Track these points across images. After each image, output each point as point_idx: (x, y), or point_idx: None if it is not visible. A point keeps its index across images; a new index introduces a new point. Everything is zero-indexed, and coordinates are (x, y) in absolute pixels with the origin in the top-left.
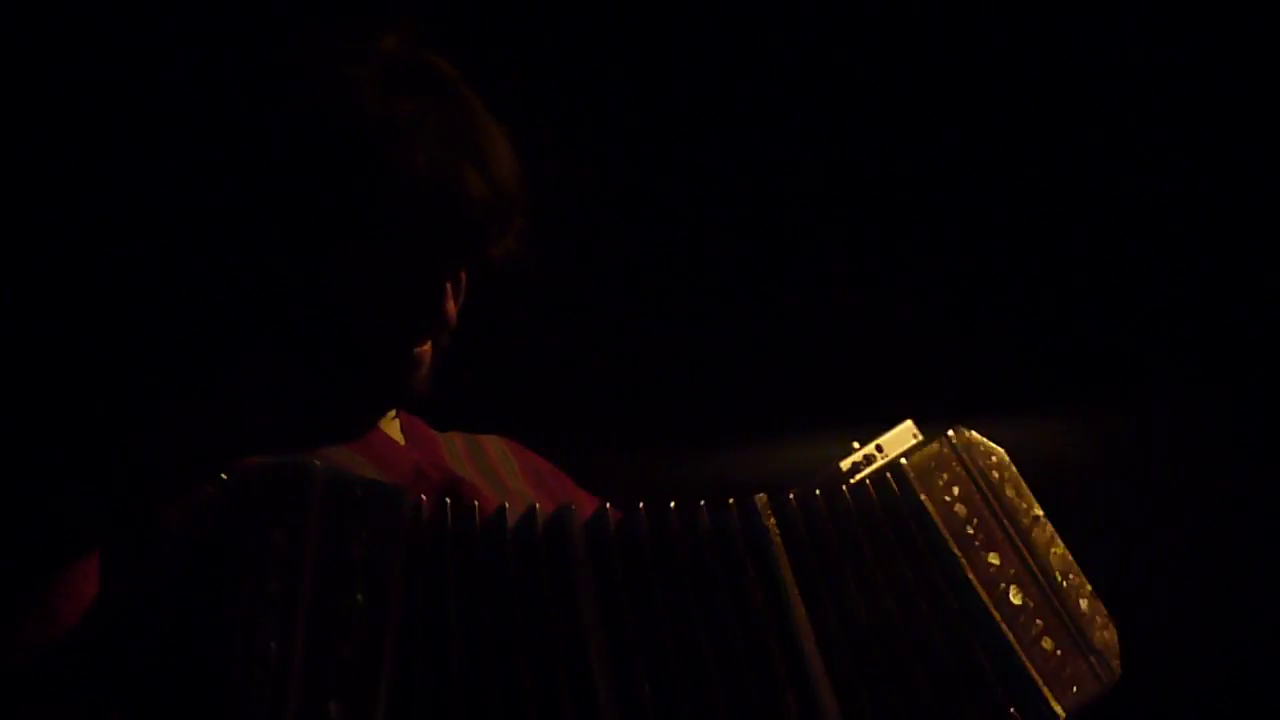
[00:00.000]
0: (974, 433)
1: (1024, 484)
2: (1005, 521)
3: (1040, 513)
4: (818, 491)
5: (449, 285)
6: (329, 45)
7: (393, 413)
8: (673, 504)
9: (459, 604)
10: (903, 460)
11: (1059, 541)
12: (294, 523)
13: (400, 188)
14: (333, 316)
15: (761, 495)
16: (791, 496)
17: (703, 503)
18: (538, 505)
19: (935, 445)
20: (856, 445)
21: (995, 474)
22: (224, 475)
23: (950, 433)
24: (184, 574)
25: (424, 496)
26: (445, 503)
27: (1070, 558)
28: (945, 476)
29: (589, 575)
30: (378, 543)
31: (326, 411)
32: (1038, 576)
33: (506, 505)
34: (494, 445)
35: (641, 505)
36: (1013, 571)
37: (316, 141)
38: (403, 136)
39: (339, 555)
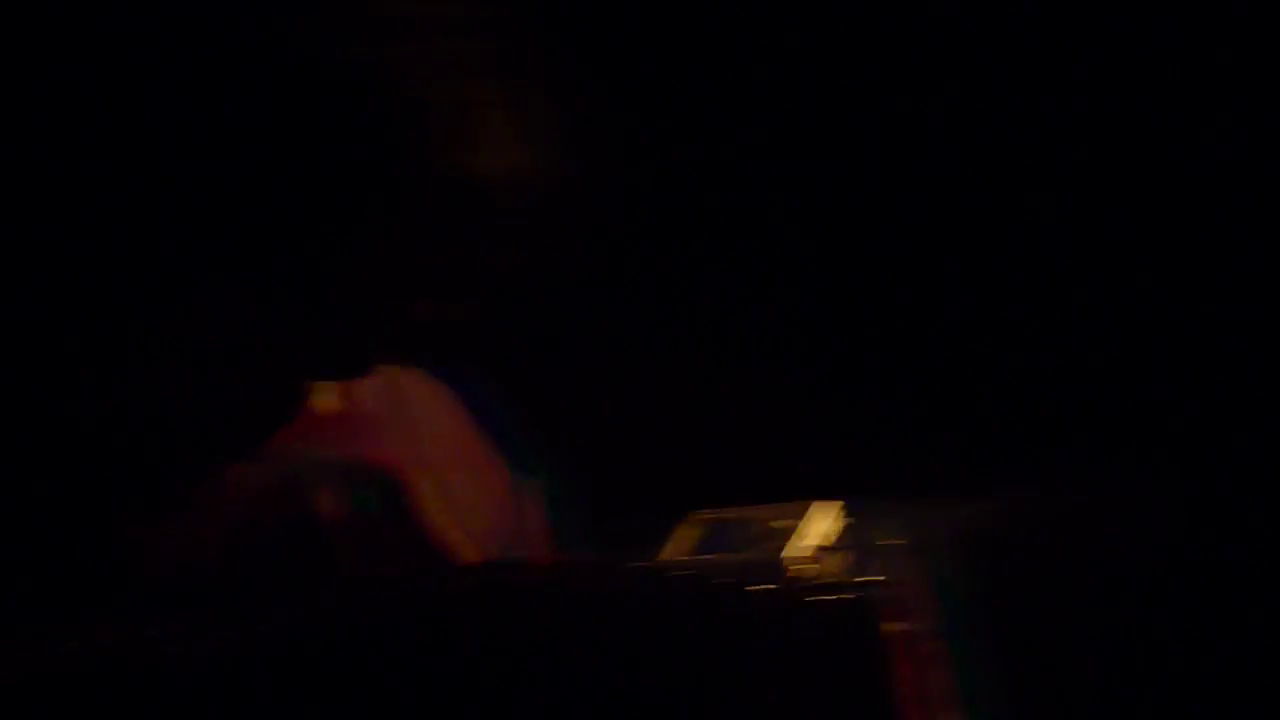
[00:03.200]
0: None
1: None
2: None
3: None
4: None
5: (453, 265)
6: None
7: None
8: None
9: None
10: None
11: None
12: None
13: (430, 153)
14: (343, 264)
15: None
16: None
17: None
18: None
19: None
20: (792, 528)
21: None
22: None
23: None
24: None
25: None
26: None
27: None
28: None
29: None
30: None
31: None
32: None
33: None
34: (415, 386)
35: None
36: None
37: (361, 100)
38: (448, 112)
39: None
